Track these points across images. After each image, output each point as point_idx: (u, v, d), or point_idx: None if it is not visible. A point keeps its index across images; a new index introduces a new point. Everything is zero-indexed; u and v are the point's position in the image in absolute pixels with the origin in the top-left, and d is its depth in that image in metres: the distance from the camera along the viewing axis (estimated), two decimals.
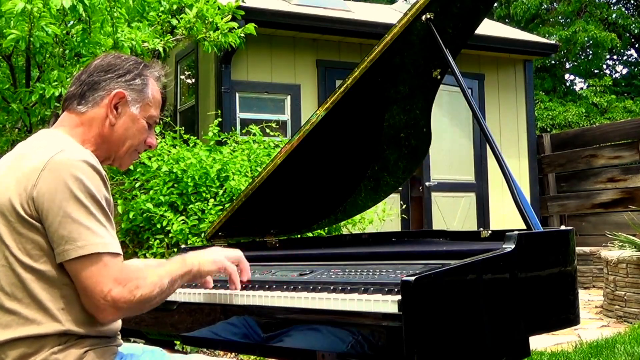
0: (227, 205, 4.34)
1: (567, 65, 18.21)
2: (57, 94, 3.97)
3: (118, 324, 1.61)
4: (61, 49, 4.39)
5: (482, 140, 8.24)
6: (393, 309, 1.40)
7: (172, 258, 1.69)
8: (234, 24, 5.09)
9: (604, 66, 18.77)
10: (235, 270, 1.73)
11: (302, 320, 1.62)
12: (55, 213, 1.42)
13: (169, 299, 1.90)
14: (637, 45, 19.30)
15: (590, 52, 17.19)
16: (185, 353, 1.75)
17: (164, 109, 1.79)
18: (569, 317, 1.74)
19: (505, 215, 8.19)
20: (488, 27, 8.91)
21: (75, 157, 1.48)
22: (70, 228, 1.42)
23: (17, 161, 1.54)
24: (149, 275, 1.51)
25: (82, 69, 1.72)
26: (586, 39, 15.49)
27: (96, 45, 4.17)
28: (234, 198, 3.90)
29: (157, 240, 4.42)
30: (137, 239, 4.61)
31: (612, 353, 4.08)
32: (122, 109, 1.64)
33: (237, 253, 1.77)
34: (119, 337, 1.64)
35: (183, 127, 5.91)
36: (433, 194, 8.07)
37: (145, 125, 1.69)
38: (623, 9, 18.14)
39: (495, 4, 16.49)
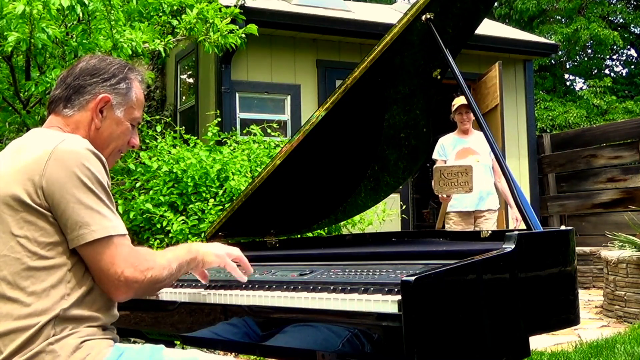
0: (227, 205, 4.34)
1: (568, 65, 18.21)
2: None
3: (115, 313, 1.65)
4: (61, 50, 4.39)
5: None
6: (393, 309, 1.40)
7: (178, 246, 1.77)
8: (234, 27, 5.10)
9: (604, 66, 18.77)
10: (236, 268, 1.81)
11: (302, 320, 1.62)
12: (67, 200, 1.49)
13: (169, 299, 1.92)
14: (637, 45, 19.29)
15: (591, 51, 17.19)
16: None
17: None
18: (569, 317, 1.74)
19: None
20: (488, 27, 8.91)
21: (79, 145, 1.55)
22: (83, 214, 1.49)
23: (15, 154, 1.59)
24: (158, 258, 1.60)
25: (67, 69, 1.76)
26: (588, 36, 15.47)
27: (95, 47, 4.17)
28: (234, 198, 3.90)
29: (157, 240, 4.42)
30: (137, 239, 4.61)
31: (612, 353, 4.08)
32: (107, 112, 1.70)
33: (237, 251, 1.84)
34: (115, 330, 1.66)
35: (183, 127, 5.91)
36: None
37: (129, 127, 1.76)
38: (624, 7, 18.12)
39: (495, 4, 16.49)
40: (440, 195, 4.77)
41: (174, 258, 1.64)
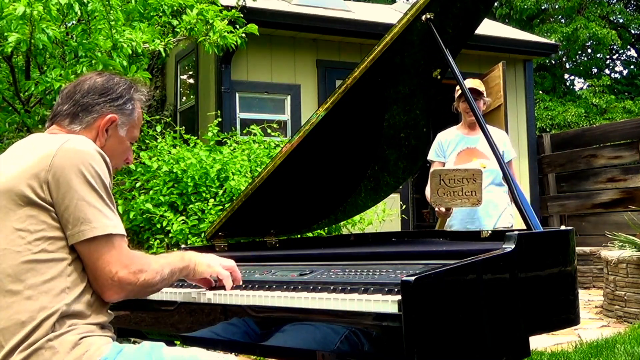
0: (227, 205, 4.34)
1: (567, 65, 18.21)
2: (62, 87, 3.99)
3: (110, 311, 1.66)
4: (61, 50, 4.39)
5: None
6: (393, 309, 1.40)
7: (172, 253, 1.81)
8: (231, 28, 5.10)
9: (604, 65, 18.77)
10: (228, 275, 1.83)
11: (302, 320, 1.62)
12: (71, 196, 1.52)
13: (169, 299, 1.92)
14: (637, 45, 19.29)
15: (591, 50, 17.19)
16: None
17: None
18: (569, 317, 1.74)
19: None
20: (488, 27, 8.91)
21: (84, 145, 1.59)
22: (86, 210, 1.53)
23: (20, 155, 1.61)
24: (152, 262, 1.63)
25: (73, 84, 1.78)
26: (587, 35, 15.46)
27: (95, 47, 4.17)
28: (234, 198, 3.90)
29: (157, 241, 4.42)
30: (137, 239, 4.61)
31: (612, 353, 4.08)
32: (112, 131, 1.76)
33: (231, 262, 1.87)
34: (112, 329, 1.67)
35: (183, 127, 5.91)
36: None
37: (129, 145, 1.82)
38: (623, 8, 18.13)
39: (496, 4, 16.49)
40: (437, 209, 3.42)
41: (167, 264, 1.68)
